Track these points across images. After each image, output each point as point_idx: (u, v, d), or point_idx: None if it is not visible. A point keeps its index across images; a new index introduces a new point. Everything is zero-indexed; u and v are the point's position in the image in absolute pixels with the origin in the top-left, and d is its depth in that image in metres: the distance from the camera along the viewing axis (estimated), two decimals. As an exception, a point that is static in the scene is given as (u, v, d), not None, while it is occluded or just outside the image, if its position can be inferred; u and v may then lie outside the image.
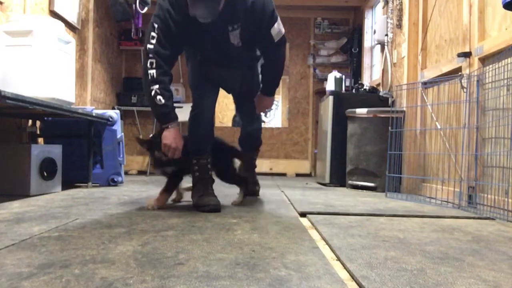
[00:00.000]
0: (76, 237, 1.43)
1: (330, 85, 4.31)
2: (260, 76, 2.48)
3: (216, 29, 2.10)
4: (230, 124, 6.39)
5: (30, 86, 2.64)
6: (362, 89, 4.17)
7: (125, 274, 1.03)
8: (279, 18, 2.20)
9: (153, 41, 2.04)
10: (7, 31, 2.70)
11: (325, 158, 4.04)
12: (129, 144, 5.57)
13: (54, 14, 3.55)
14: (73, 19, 3.95)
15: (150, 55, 2.04)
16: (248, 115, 2.64)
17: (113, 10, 4.52)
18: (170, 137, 2.11)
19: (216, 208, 2.09)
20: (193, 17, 2.00)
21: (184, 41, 2.20)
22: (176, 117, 2.15)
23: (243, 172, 2.48)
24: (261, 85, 2.49)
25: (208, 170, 2.27)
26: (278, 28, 2.20)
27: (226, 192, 2.57)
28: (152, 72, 2.03)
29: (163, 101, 2.05)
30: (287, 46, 3.35)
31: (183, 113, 5.53)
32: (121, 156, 3.45)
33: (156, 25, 2.05)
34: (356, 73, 5.26)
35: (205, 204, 2.10)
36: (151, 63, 2.04)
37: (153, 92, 2.04)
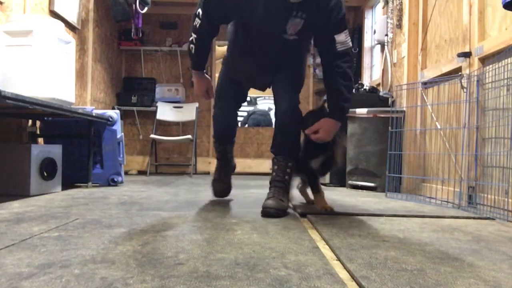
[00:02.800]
0: (76, 237, 1.43)
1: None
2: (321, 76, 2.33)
3: (280, 5, 1.91)
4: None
5: (30, 86, 2.63)
6: (362, 89, 4.17)
7: (125, 274, 1.03)
8: (348, 31, 2.01)
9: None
10: (7, 31, 2.70)
11: (325, 158, 4.04)
12: (129, 144, 5.58)
13: (54, 14, 3.55)
14: (73, 19, 3.95)
15: (200, 6, 2.02)
16: (279, 110, 2.17)
17: (113, 10, 4.52)
18: (195, 79, 2.35)
19: (223, 194, 2.52)
20: None
21: (237, 10, 2.03)
22: (201, 67, 2.30)
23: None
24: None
25: (228, 156, 2.52)
26: (345, 38, 1.98)
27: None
28: (196, 22, 2.06)
29: (193, 51, 2.16)
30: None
31: (183, 113, 5.56)
32: (121, 156, 3.45)
33: (201, 12, 2.01)
34: (356, 73, 5.26)
35: (216, 189, 2.50)
36: (198, 13, 2.04)
37: (190, 38, 2.14)
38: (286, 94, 2.16)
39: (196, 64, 2.28)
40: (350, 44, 2.03)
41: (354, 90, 4.26)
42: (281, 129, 2.13)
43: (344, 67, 2.00)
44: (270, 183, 2.12)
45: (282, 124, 2.13)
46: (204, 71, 2.34)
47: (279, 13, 1.95)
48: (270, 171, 2.17)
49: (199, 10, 2.03)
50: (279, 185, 2.07)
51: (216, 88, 2.45)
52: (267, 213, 1.94)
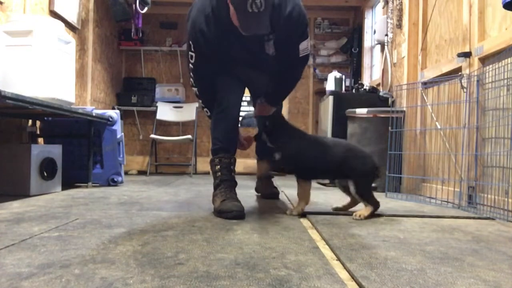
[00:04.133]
0: (76, 237, 1.43)
1: (330, 85, 4.31)
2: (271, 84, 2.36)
3: (252, 40, 2.04)
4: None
5: (30, 86, 2.64)
6: (362, 89, 4.17)
7: (125, 274, 1.03)
8: (309, 38, 2.18)
9: (192, 61, 2.14)
10: (7, 31, 2.70)
11: (325, 158, 4.04)
12: (129, 144, 5.58)
13: (54, 14, 3.55)
14: (73, 19, 3.95)
15: (192, 74, 2.20)
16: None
17: (113, 10, 4.52)
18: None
19: (240, 215, 1.89)
20: (230, 29, 1.95)
21: (220, 54, 2.17)
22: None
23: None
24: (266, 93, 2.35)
25: (232, 172, 2.15)
26: (307, 45, 2.15)
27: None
28: (195, 89, 2.27)
29: (208, 113, 2.32)
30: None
31: (183, 113, 5.55)
32: (121, 156, 3.45)
33: (192, 45, 2.10)
34: (356, 73, 5.26)
35: (228, 210, 1.91)
36: (192, 83, 2.25)
37: (200, 105, 2.32)
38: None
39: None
40: (309, 48, 2.20)
41: (354, 90, 4.28)
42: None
43: (300, 71, 2.29)
44: (258, 177, 2.58)
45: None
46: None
47: (254, 44, 2.13)
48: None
49: (191, 80, 2.23)
50: (267, 178, 2.70)
51: (219, 88, 2.32)
52: (265, 196, 2.63)
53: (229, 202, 1.96)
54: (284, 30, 2.06)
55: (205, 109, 2.33)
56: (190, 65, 2.16)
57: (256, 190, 2.90)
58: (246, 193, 2.90)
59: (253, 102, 2.56)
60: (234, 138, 2.25)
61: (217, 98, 2.24)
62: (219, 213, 1.95)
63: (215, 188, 2.12)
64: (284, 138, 2.11)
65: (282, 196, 2.86)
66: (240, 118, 7.03)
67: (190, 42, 2.09)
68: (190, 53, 2.12)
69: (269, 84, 2.33)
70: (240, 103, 2.32)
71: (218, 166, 2.13)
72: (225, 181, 2.10)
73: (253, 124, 6.57)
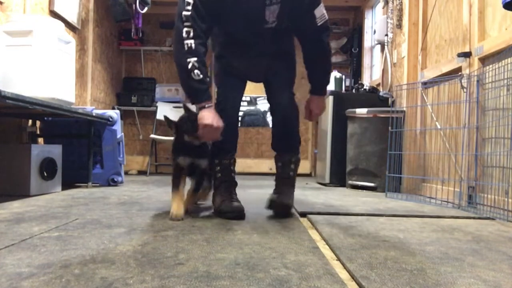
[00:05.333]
0: (76, 237, 1.43)
1: (330, 85, 4.30)
2: (307, 73, 2.15)
3: (253, 2, 1.85)
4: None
5: (30, 86, 2.64)
6: (362, 89, 4.17)
7: (125, 274, 1.03)
8: (322, 3, 1.97)
9: (189, 7, 1.80)
10: (7, 31, 2.70)
11: (325, 158, 4.04)
12: (129, 144, 5.58)
13: (54, 14, 3.55)
14: (73, 19, 3.95)
15: (187, 23, 1.80)
16: (278, 107, 2.15)
17: (113, 10, 4.52)
18: (210, 116, 1.83)
19: (240, 215, 1.87)
20: None
21: (217, 12, 1.89)
22: (211, 96, 1.94)
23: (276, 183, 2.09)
24: (310, 85, 2.16)
25: (232, 172, 2.09)
26: (322, 11, 1.96)
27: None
28: (190, 42, 1.79)
29: (201, 76, 1.81)
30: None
31: (183, 113, 5.52)
32: (121, 156, 3.45)
33: None
34: (356, 73, 5.26)
35: (229, 210, 1.89)
36: (188, 32, 1.79)
37: (190, 65, 1.79)
38: (285, 91, 2.14)
39: (206, 90, 1.89)
40: (327, 15, 2.01)
41: (354, 90, 4.28)
42: (282, 125, 2.11)
43: (325, 42, 2.05)
44: (276, 180, 2.11)
45: (283, 119, 2.11)
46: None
47: (254, 5, 1.89)
48: (270, 171, 2.17)
49: (185, 29, 1.81)
50: (285, 181, 2.08)
51: (217, 89, 2.21)
52: (273, 207, 1.96)
53: (229, 202, 1.95)
54: None
55: (197, 71, 1.82)
56: (184, 12, 1.80)
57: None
58: (246, 193, 2.91)
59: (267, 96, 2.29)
60: (234, 138, 2.16)
61: (217, 94, 2.17)
62: (219, 213, 1.94)
63: (216, 188, 2.09)
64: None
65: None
66: (240, 118, 7.06)
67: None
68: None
69: (309, 74, 2.12)
70: (239, 103, 2.22)
71: (218, 168, 2.08)
72: (225, 182, 2.06)
73: (254, 123, 6.60)
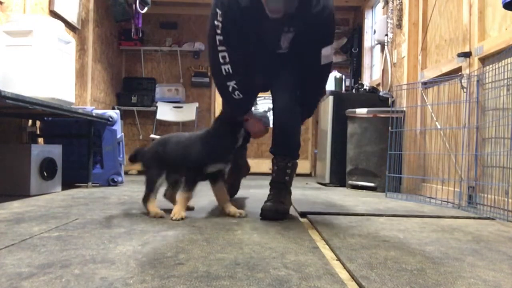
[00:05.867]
0: (76, 237, 1.43)
1: (330, 85, 4.31)
2: None
3: (271, 25, 1.90)
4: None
5: (30, 86, 2.64)
6: (362, 89, 4.17)
7: (125, 274, 1.03)
8: (333, 45, 2.06)
9: (219, 31, 1.86)
10: (7, 31, 2.70)
11: (325, 158, 4.04)
12: (129, 144, 5.57)
13: (54, 14, 3.55)
14: (73, 19, 3.95)
15: (221, 48, 1.88)
16: (275, 108, 2.16)
17: (113, 10, 4.52)
18: (256, 125, 2.09)
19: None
20: (256, 7, 1.80)
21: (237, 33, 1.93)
22: (251, 107, 2.15)
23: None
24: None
25: None
26: (330, 51, 2.03)
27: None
28: (227, 67, 1.90)
29: (241, 95, 1.96)
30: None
31: (183, 113, 5.55)
32: (121, 156, 3.45)
33: (219, 12, 1.85)
34: (356, 73, 5.26)
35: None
36: (224, 57, 1.89)
37: (230, 88, 1.94)
38: (283, 92, 2.12)
39: (248, 106, 2.09)
40: (332, 57, 2.09)
41: (354, 90, 4.28)
42: (280, 128, 2.08)
43: (322, 82, 2.16)
44: (270, 184, 2.08)
45: (280, 122, 2.09)
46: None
47: (272, 32, 1.98)
48: (270, 171, 2.14)
49: (220, 54, 1.89)
50: (279, 186, 2.04)
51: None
52: (265, 215, 1.89)
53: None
54: (308, 28, 1.93)
55: (237, 92, 1.96)
56: (217, 37, 1.87)
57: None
58: (246, 193, 2.91)
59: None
60: None
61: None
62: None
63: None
64: None
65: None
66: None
67: (217, 10, 1.86)
68: (216, 22, 1.86)
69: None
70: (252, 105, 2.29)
71: None
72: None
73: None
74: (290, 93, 2.12)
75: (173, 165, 1.98)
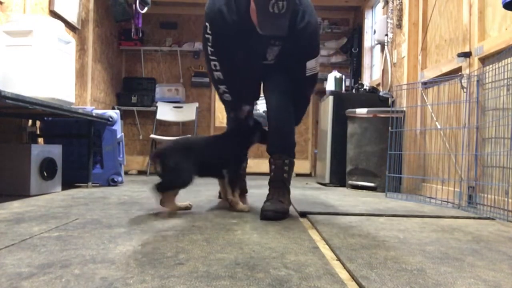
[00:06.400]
0: (76, 237, 1.43)
1: (330, 85, 4.31)
2: None
3: (259, 40, 2.00)
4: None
5: (30, 86, 2.64)
6: (362, 89, 4.17)
7: (125, 274, 1.03)
8: (318, 57, 2.15)
9: (210, 44, 2.02)
10: (7, 31, 2.70)
11: (325, 158, 4.04)
12: (129, 144, 5.58)
13: (54, 14, 3.55)
14: (73, 19, 3.95)
15: (213, 57, 2.06)
16: (268, 108, 2.21)
17: (113, 10, 4.52)
18: None
19: None
20: (245, 24, 1.92)
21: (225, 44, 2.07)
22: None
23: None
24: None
25: None
26: (315, 64, 2.11)
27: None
28: (217, 74, 2.09)
29: (230, 98, 2.16)
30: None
31: (183, 113, 5.55)
32: (121, 156, 3.45)
33: (208, 26, 2.00)
34: (356, 73, 5.26)
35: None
36: (215, 65, 2.07)
37: (221, 91, 2.15)
38: (276, 93, 2.16)
39: (238, 104, 2.18)
40: (318, 69, 2.17)
41: (354, 90, 4.28)
42: (274, 126, 2.12)
43: (307, 94, 2.24)
44: (269, 184, 2.09)
45: (275, 120, 2.12)
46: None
47: (258, 45, 2.07)
48: (269, 171, 2.15)
49: (212, 63, 2.06)
50: (278, 185, 2.06)
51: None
52: (265, 216, 1.89)
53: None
54: (293, 43, 2.03)
55: (226, 95, 2.16)
56: (208, 48, 2.03)
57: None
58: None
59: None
60: None
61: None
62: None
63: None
64: None
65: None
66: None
67: (207, 23, 2.00)
68: (206, 35, 2.02)
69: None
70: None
71: None
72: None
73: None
74: (283, 93, 2.15)
75: (207, 166, 2.10)
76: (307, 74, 2.10)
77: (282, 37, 1.99)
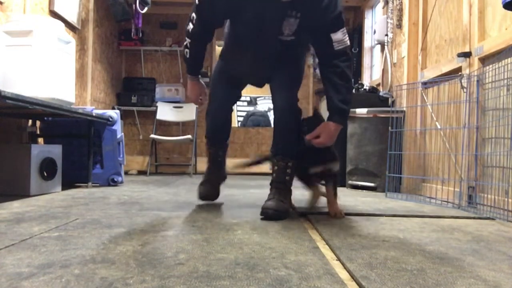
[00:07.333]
0: (76, 237, 1.43)
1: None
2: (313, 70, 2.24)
3: (275, 6, 1.86)
4: (234, 124, 6.39)
5: (30, 86, 2.63)
6: (362, 89, 4.17)
7: (125, 274, 1.03)
8: (345, 29, 1.96)
9: (197, 1, 1.97)
10: (7, 31, 2.70)
11: (325, 158, 4.04)
12: (129, 144, 5.57)
13: (54, 14, 3.55)
14: (73, 19, 3.95)
15: (194, 10, 2.02)
16: (276, 108, 2.14)
17: (113, 10, 4.52)
18: (188, 87, 2.33)
19: (207, 198, 2.35)
20: None
21: (229, 12, 2.00)
22: (196, 72, 2.27)
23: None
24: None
25: (216, 161, 2.39)
26: (343, 36, 1.93)
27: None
28: (190, 27, 2.06)
29: (188, 55, 2.15)
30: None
31: (183, 113, 5.55)
32: (121, 156, 3.45)
33: (198, 2, 1.96)
34: (356, 73, 5.26)
35: (200, 193, 2.32)
36: (192, 18, 2.04)
37: (185, 43, 2.13)
38: (284, 92, 2.11)
39: (190, 69, 2.26)
40: (348, 42, 1.96)
41: (354, 90, 4.27)
42: (279, 128, 2.08)
43: (342, 67, 1.94)
44: (271, 184, 2.08)
45: (280, 122, 2.08)
46: (199, 76, 2.31)
47: (273, 15, 1.91)
48: (270, 171, 2.14)
49: (193, 14, 2.02)
50: (279, 186, 2.05)
51: (210, 88, 2.38)
52: (266, 214, 1.89)
53: (204, 185, 2.33)
54: (311, 13, 1.88)
55: (186, 50, 2.14)
56: (197, 1, 1.97)
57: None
58: (246, 193, 2.91)
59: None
60: (224, 132, 2.39)
61: (210, 93, 2.36)
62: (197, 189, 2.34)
63: (205, 171, 2.43)
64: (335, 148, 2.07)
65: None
66: (242, 118, 7.07)
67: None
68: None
69: (327, 98, 2.00)
70: (231, 102, 2.43)
71: (208, 154, 2.40)
72: (210, 170, 2.39)
73: (260, 123, 6.60)
74: (290, 92, 2.11)
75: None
76: (335, 48, 1.92)
77: (301, 7, 1.87)
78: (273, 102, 2.18)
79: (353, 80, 2.04)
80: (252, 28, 1.99)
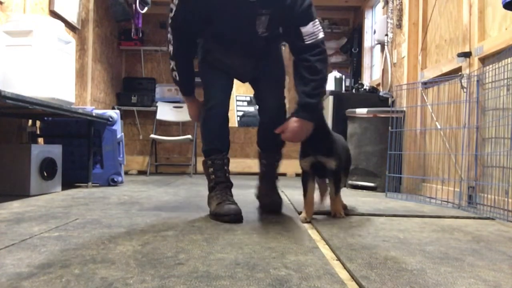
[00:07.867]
0: (76, 237, 1.43)
1: (330, 85, 4.31)
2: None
3: (244, 10, 1.86)
4: (233, 124, 6.39)
5: (30, 86, 2.63)
6: (362, 89, 4.17)
7: (125, 274, 1.03)
8: (317, 22, 1.88)
9: (171, 14, 1.94)
10: (7, 31, 2.70)
11: (325, 158, 4.04)
12: (129, 144, 5.57)
13: (54, 14, 3.55)
14: (73, 19, 3.95)
15: (169, 30, 1.99)
16: (265, 106, 2.17)
17: (113, 10, 4.52)
18: (187, 107, 2.23)
19: (237, 218, 1.82)
20: None
21: (204, 18, 1.96)
22: (190, 93, 2.16)
23: (260, 180, 2.24)
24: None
25: (226, 172, 2.04)
26: (313, 29, 1.86)
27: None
28: (170, 48, 2.02)
29: (177, 78, 2.07)
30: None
31: (183, 113, 5.54)
32: (121, 156, 3.45)
33: None
34: (356, 73, 5.26)
35: (225, 213, 1.83)
36: (169, 39, 2.01)
37: (171, 66, 2.08)
38: (272, 91, 2.15)
39: (184, 90, 2.15)
40: (321, 35, 1.89)
41: (354, 90, 4.27)
42: (270, 125, 2.02)
43: (312, 61, 1.87)
44: (261, 178, 2.24)
45: (270, 120, 2.09)
46: (194, 95, 2.18)
47: (247, 13, 1.89)
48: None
49: (169, 35, 2.00)
50: (271, 180, 2.22)
51: (203, 88, 2.14)
52: (266, 206, 2.11)
53: (225, 204, 1.87)
54: (281, 8, 1.85)
55: (175, 73, 2.06)
56: (169, 19, 1.95)
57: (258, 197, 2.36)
58: (246, 193, 2.90)
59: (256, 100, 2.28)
60: (225, 136, 2.10)
61: (204, 95, 2.12)
62: (215, 216, 1.88)
63: (210, 190, 2.04)
64: (334, 144, 2.02)
65: (282, 197, 2.86)
66: (238, 118, 7.05)
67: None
68: (171, 5, 1.95)
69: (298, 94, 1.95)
70: (228, 99, 2.16)
71: (212, 169, 2.02)
72: (220, 183, 2.00)
73: (252, 123, 6.60)
74: (279, 90, 2.18)
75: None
76: (306, 42, 1.86)
77: (267, 4, 1.85)
78: (261, 101, 2.20)
79: (325, 74, 1.96)
80: (232, 27, 1.96)
